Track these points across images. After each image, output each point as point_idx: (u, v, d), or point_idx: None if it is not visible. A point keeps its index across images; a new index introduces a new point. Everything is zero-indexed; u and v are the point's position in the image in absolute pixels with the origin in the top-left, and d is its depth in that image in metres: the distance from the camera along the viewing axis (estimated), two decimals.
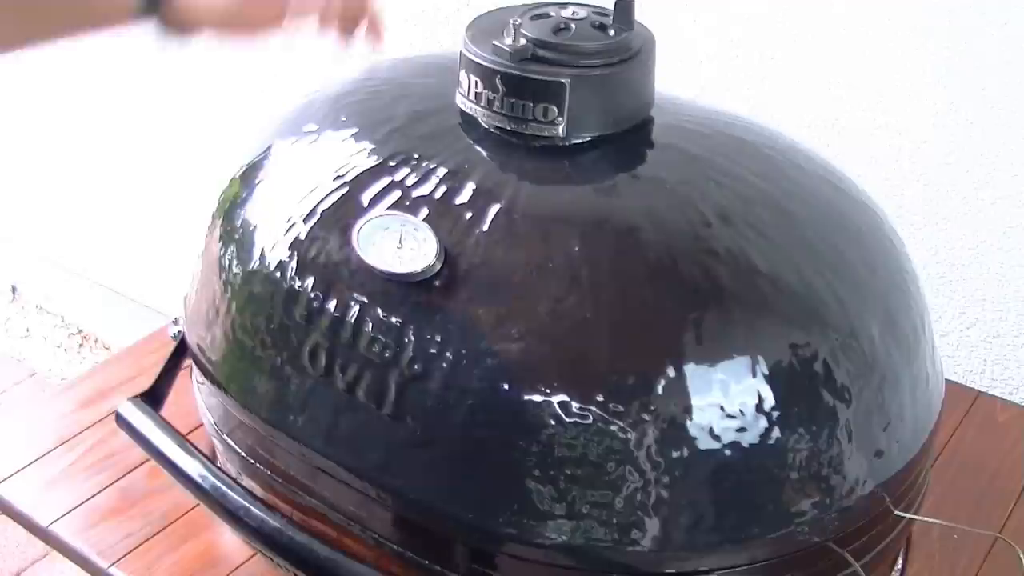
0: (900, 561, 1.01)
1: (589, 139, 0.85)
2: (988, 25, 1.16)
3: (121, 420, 0.91)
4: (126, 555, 1.03)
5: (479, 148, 0.88)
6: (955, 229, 1.26)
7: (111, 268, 2.39)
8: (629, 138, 0.88)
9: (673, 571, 0.75)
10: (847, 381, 0.78)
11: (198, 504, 1.10)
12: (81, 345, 2.50)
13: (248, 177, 0.96)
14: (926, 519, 0.97)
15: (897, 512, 0.87)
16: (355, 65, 0.98)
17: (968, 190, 1.24)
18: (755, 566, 0.78)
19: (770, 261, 0.80)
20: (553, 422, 0.74)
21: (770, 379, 0.76)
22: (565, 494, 0.74)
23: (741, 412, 0.75)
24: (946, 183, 1.25)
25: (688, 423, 0.74)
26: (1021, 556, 0.98)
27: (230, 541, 1.05)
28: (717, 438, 0.74)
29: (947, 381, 1.22)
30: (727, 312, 0.77)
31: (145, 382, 1.28)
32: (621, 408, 0.74)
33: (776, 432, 0.75)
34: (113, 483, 1.12)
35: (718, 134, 0.91)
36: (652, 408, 0.74)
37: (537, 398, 0.75)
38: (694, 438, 0.74)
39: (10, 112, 2.36)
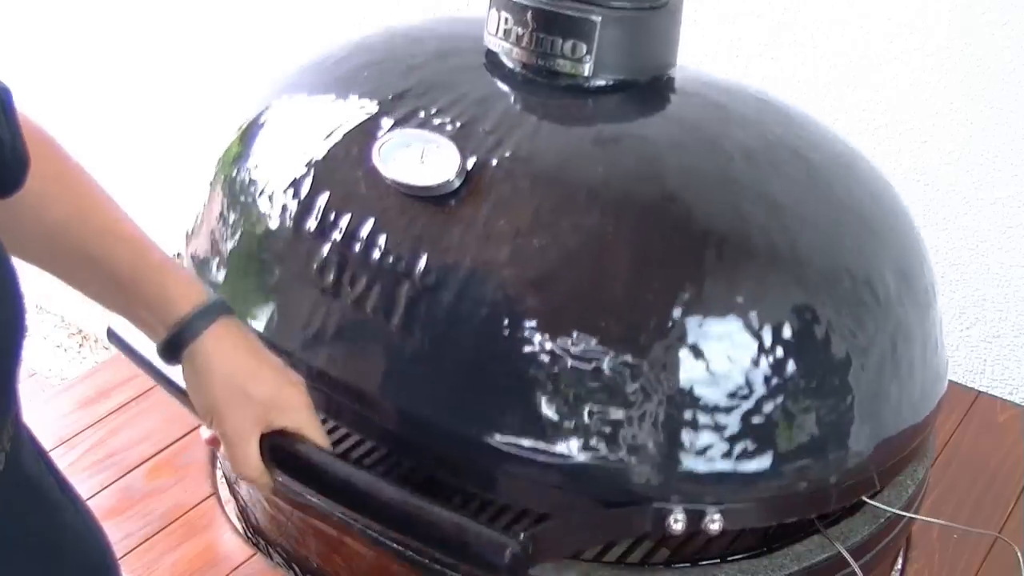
0: (900, 561, 1.01)
1: (613, 82, 0.86)
2: (988, 25, 1.16)
3: (113, 336, 0.89)
4: (126, 555, 1.03)
5: (503, 85, 0.88)
6: (955, 229, 1.26)
7: None
8: (652, 85, 0.88)
9: (679, 498, 0.74)
10: (864, 320, 0.78)
11: (201, 502, 1.10)
12: (81, 345, 2.50)
13: (267, 106, 0.95)
14: (926, 519, 0.97)
15: (898, 512, 0.87)
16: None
17: (968, 190, 1.24)
18: (759, 506, 0.76)
19: (790, 196, 0.80)
20: (569, 337, 0.73)
21: (787, 309, 0.75)
22: (574, 413, 0.73)
23: (758, 338, 0.74)
24: (946, 183, 1.25)
25: (705, 346, 0.73)
26: (1020, 556, 0.98)
27: (230, 541, 1.05)
28: (732, 364, 0.73)
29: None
30: (748, 238, 0.77)
31: (145, 382, 1.28)
32: (638, 326, 0.73)
33: (791, 363, 0.74)
34: (113, 483, 1.12)
35: (739, 91, 0.92)
36: (669, 328, 0.73)
37: (554, 312, 0.74)
38: (709, 362, 0.73)
39: None
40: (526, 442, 0.74)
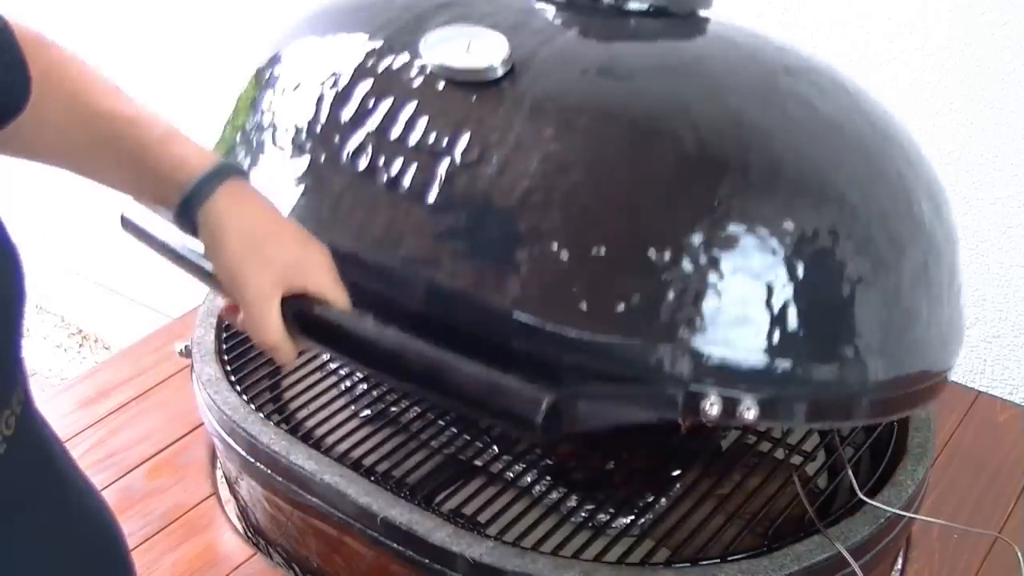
0: (900, 561, 1.01)
1: (653, 9, 0.86)
2: (988, 25, 1.16)
3: (128, 223, 0.88)
4: None
5: (545, 3, 0.88)
6: None
7: (111, 268, 2.39)
8: (690, 16, 0.88)
9: (713, 382, 0.72)
10: (900, 229, 0.78)
11: (201, 502, 1.10)
12: (81, 345, 2.51)
13: (306, 17, 0.96)
14: (926, 519, 0.97)
15: (898, 512, 0.87)
16: None
17: (968, 190, 1.24)
18: (794, 403, 0.75)
19: (830, 108, 0.80)
20: (613, 212, 0.73)
21: (829, 204, 0.75)
22: (613, 290, 0.72)
23: (799, 229, 0.73)
24: (946, 183, 1.25)
25: (747, 232, 0.72)
26: (1020, 556, 0.98)
27: (230, 541, 1.05)
28: (772, 252, 0.73)
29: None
30: (792, 134, 0.77)
31: (145, 382, 1.29)
32: (683, 205, 0.73)
33: (830, 257, 0.74)
34: (113, 483, 1.13)
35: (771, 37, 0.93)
36: (714, 209, 0.72)
37: (600, 187, 0.74)
38: (750, 248, 0.72)
39: None
40: (562, 317, 0.72)
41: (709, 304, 0.71)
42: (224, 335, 1.09)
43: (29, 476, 0.63)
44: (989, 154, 1.21)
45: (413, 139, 0.80)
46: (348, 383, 1.08)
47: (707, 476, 0.95)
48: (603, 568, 0.83)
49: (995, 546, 1.02)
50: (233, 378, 1.04)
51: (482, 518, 0.91)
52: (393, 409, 1.04)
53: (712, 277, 0.72)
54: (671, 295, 0.71)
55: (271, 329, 0.70)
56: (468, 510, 0.92)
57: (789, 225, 0.73)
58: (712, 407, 0.71)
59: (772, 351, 0.72)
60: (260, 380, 1.09)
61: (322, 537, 0.95)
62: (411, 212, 0.79)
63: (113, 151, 0.70)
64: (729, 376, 0.72)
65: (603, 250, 0.72)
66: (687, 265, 0.71)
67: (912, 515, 0.91)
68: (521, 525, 0.89)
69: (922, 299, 0.79)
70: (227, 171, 0.70)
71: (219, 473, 1.14)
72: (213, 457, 1.15)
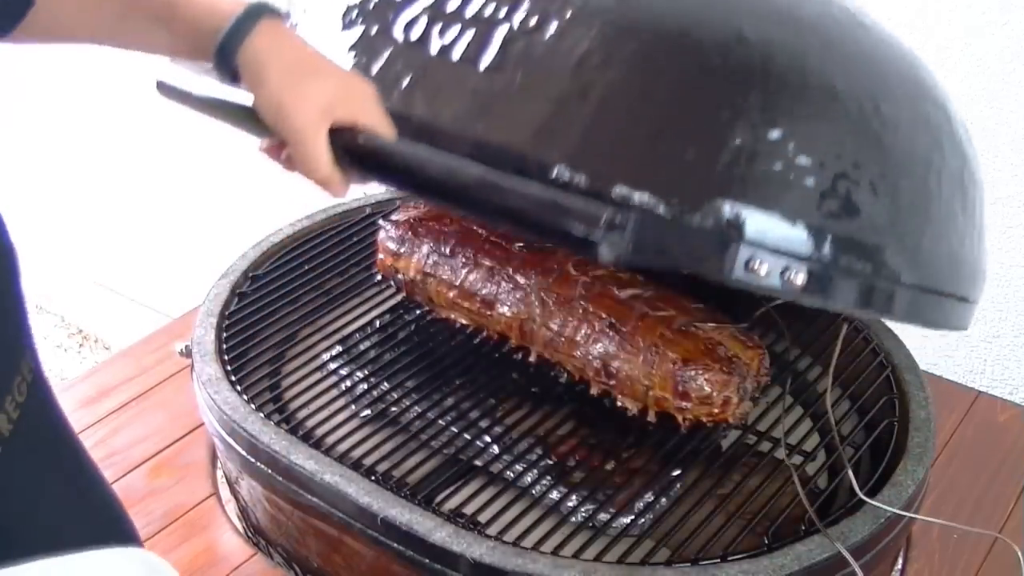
0: (900, 561, 1.01)
1: None
2: (988, 25, 1.16)
3: (163, 87, 0.87)
4: None
5: None
6: None
7: (110, 268, 2.39)
8: None
9: (761, 245, 0.71)
10: (941, 136, 0.78)
11: (201, 502, 1.11)
12: (81, 345, 2.51)
13: None
14: (926, 519, 0.97)
15: (898, 512, 0.87)
16: None
17: None
18: (840, 281, 0.74)
19: (877, 31, 0.83)
20: (670, 69, 0.74)
21: (881, 91, 0.76)
22: (665, 148, 0.72)
23: (858, 108, 0.74)
24: None
25: (800, 106, 0.73)
26: (1020, 556, 0.98)
27: (230, 541, 1.05)
28: (827, 125, 0.73)
29: (947, 381, 1.23)
30: (846, 36, 0.79)
31: (146, 381, 1.29)
32: (736, 69, 0.73)
33: (883, 138, 0.75)
34: (114, 483, 1.12)
35: None
36: (767, 80, 0.73)
37: (662, 51, 0.75)
38: (803, 123, 0.72)
39: (11, 115, 2.36)
40: (617, 172, 0.72)
41: (762, 167, 0.71)
42: (224, 335, 1.10)
43: (43, 444, 0.63)
44: (989, 154, 1.21)
45: (470, 11, 0.82)
46: (348, 383, 1.08)
47: (707, 476, 0.95)
48: (603, 568, 0.83)
49: (995, 546, 1.02)
50: (233, 378, 1.04)
51: (482, 518, 0.91)
52: (393, 409, 1.04)
53: (767, 142, 0.72)
54: (726, 154, 0.71)
55: (320, 160, 0.69)
56: (468, 510, 0.92)
57: (841, 105, 0.74)
58: (761, 265, 0.71)
59: (821, 222, 0.72)
60: (260, 380, 1.09)
61: (322, 537, 0.95)
62: (465, 74, 0.80)
63: (141, 15, 0.70)
64: (778, 241, 0.72)
65: (660, 108, 0.73)
66: (743, 127, 0.71)
67: (912, 515, 0.91)
68: (521, 525, 0.89)
69: (958, 207, 0.80)
70: (261, 9, 0.69)
71: (219, 473, 1.14)
72: (213, 457, 1.15)
